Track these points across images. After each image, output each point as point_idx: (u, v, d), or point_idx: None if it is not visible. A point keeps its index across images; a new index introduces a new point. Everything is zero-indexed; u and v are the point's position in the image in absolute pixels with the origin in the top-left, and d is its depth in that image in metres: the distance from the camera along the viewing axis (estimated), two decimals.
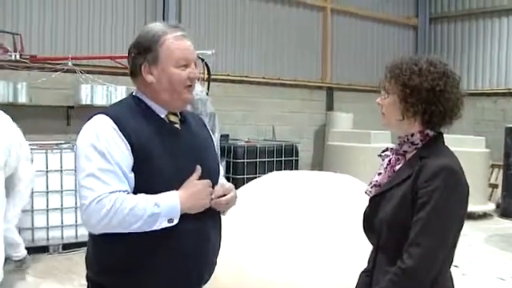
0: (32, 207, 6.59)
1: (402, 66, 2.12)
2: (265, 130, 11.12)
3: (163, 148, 2.18)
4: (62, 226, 6.89)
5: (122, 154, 2.08)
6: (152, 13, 9.59)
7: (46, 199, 6.77)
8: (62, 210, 6.87)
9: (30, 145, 7.00)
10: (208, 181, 2.19)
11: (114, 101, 8.27)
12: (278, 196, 4.18)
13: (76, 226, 6.96)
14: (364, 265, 2.32)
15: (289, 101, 11.56)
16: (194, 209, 2.15)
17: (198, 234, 2.24)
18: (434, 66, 2.09)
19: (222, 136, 8.89)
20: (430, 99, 2.05)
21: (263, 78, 11.11)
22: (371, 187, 2.24)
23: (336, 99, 12.39)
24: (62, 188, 6.85)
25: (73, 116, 8.51)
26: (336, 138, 10.72)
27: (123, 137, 2.10)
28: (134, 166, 2.11)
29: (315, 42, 12.08)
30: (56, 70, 7.93)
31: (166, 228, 2.08)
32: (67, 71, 7.93)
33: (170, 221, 2.07)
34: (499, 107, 12.41)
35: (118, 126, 2.10)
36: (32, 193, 6.59)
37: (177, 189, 2.13)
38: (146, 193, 2.08)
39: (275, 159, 9.39)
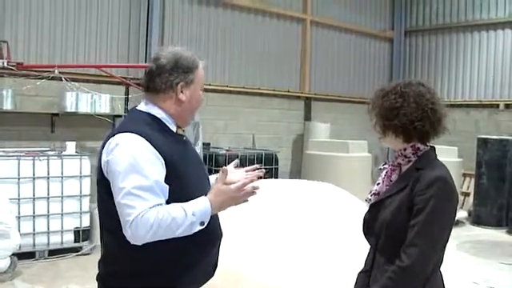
0: (19, 213, 6.65)
1: (376, 92, 2.47)
2: (245, 138, 11.30)
3: (183, 158, 2.40)
4: (48, 233, 6.97)
5: (157, 168, 2.26)
6: (136, 23, 9.71)
7: (33, 205, 6.84)
8: (48, 216, 6.94)
9: (17, 151, 7.12)
10: (235, 188, 2.32)
11: (98, 109, 8.45)
12: (269, 202, 4.34)
13: (62, 232, 7.05)
14: (354, 266, 2.55)
15: (268, 110, 11.75)
16: (222, 210, 2.37)
17: (213, 236, 2.48)
18: (394, 88, 2.40)
19: (203, 144, 9.05)
20: (391, 117, 2.36)
21: (243, 87, 11.29)
22: (371, 195, 2.49)
23: (314, 109, 12.62)
24: (48, 194, 6.92)
25: (57, 123, 8.57)
26: (314, 148, 10.90)
27: (156, 152, 2.27)
28: (166, 178, 2.29)
29: (294, 53, 12.31)
30: (41, 78, 7.99)
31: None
32: (52, 79, 7.97)
33: (202, 224, 2.26)
34: (471, 118, 12.77)
35: (149, 142, 2.28)
36: (18, 199, 6.70)
37: (199, 192, 2.32)
38: (179, 200, 2.26)
39: None
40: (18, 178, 6.74)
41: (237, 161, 2.57)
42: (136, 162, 2.22)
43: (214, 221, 2.39)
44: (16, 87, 8.05)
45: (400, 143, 2.40)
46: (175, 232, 2.20)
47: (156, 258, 2.31)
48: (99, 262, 2.52)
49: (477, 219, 10.63)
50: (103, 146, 2.36)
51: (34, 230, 6.86)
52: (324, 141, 11.20)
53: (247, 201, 2.38)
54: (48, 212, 6.95)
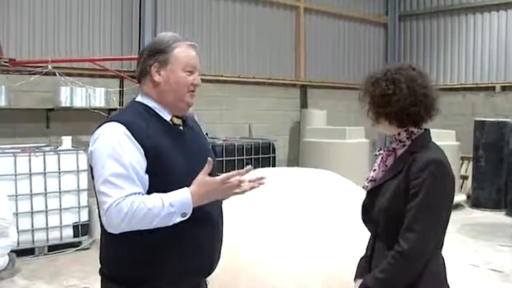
0: (16, 210, 6.63)
1: (366, 78, 2.44)
2: (241, 128, 11.27)
3: (172, 149, 2.33)
4: (47, 228, 6.95)
5: (135, 157, 2.23)
6: (128, 14, 9.64)
7: (30, 202, 6.83)
8: (46, 212, 6.93)
9: (12, 148, 7.09)
10: (220, 180, 2.24)
11: (93, 103, 8.42)
12: (267, 191, 4.32)
13: (61, 227, 7.04)
14: (356, 253, 2.54)
15: (264, 99, 11.72)
16: (205, 202, 2.27)
17: (208, 223, 2.41)
18: (385, 75, 2.36)
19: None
20: (384, 104, 2.33)
21: (238, 76, 11.24)
22: (368, 182, 2.47)
23: (310, 97, 12.59)
24: (45, 190, 6.91)
25: (52, 118, 8.53)
26: (311, 135, 10.87)
27: (135, 141, 2.24)
28: (147, 168, 2.26)
29: (289, 41, 12.26)
30: (35, 73, 7.95)
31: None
32: (46, 74, 7.93)
33: (184, 215, 2.21)
34: (468, 101, 12.75)
35: (130, 131, 2.24)
36: (16, 196, 6.68)
37: (186, 185, 2.24)
38: (161, 191, 2.21)
39: (253, 157, 9.55)
40: (15, 175, 6.72)
41: (250, 167, 2.40)
42: (114, 151, 2.21)
43: (209, 209, 2.35)
44: (9, 83, 8.01)
45: (394, 129, 2.37)
46: (151, 222, 2.17)
47: (144, 247, 2.28)
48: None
49: (476, 202, 10.66)
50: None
51: (32, 226, 6.85)
52: (321, 128, 11.17)
53: (235, 194, 2.29)
54: (46, 208, 6.93)
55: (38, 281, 6.06)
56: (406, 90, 2.30)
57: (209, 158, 2.25)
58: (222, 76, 10.96)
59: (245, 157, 9.41)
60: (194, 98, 2.48)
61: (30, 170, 6.82)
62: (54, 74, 8.00)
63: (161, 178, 2.26)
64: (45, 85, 8.35)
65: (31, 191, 6.83)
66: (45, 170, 6.91)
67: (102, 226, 2.32)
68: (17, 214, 6.62)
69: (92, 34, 9.25)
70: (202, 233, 2.38)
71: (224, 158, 9.12)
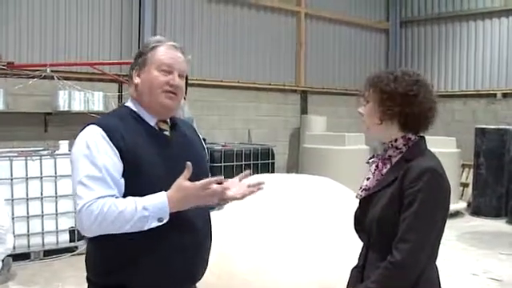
0: (12, 214, 6.57)
1: (380, 76, 2.33)
2: (241, 133, 11.23)
3: (152, 154, 2.28)
4: (43, 233, 6.90)
5: (110, 160, 2.19)
6: (128, 19, 9.63)
7: (26, 206, 6.77)
8: (42, 216, 6.88)
9: (9, 152, 7.04)
10: (200, 185, 2.15)
11: (92, 107, 8.38)
12: (263, 198, 4.27)
13: (57, 232, 6.98)
14: (347, 262, 2.47)
15: (264, 104, 11.68)
16: (184, 208, 2.19)
17: (190, 230, 2.33)
18: (407, 74, 2.30)
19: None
20: (404, 102, 2.24)
21: (238, 82, 11.21)
22: (361, 191, 2.39)
23: (310, 102, 12.55)
24: (42, 195, 6.86)
25: (50, 122, 8.50)
26: (311, 141, 10.83)
27: (111, 144, 2.21)
28: (124, 172, 2.22)
29: (289, 47, 12.22)
30: (33, 77, 7.92)
31: (157, 226, 2.15)
32: (44, 78, 7.91)
33: (160, 220, 2.14)
34: (469, 108, 12.70)
35: (106, 133, 2.22)
36: (12, 200, 6.63)
37: (160, 191, 2.17)
38: (137, 195, 2.16)
39: (252, 162, 9.50)
40: (11, 179, 6.67)
41: (248, 171, 2.38)
42: (89, 152, 2.19)
43: (190, 215, 2.28)
44: (8, 87, 7.98)
45: (394, 133, 2.30)
46: (124, 226, 2.12)
47: (120, 253, 2.24)
48: None
49: (476, 210, 10.59)
50: None
51: (28, 230, 6.79)
52: (320, 134, 11.13)
53: (217, 202, 2.24)
54: (42, 212, 6.88)
55: (33, 286, 6.01)
56: (429, 94, 2.26)
57: (188, 163, 2.14)
58: (221, 81, 10.93)
59: (243, 162, 9.35)
60: (176, 100, 2.38)
61: (27, 174, 6.77)
62: (53, 78, 7.97)
63: (137, 183, 2.21)
64: (43, 89, 8.32)
65: (27, 195, 6.78)
66: (41, 174, 6.85)
67: None
68: (13, 219, 6.55)
69: (91, 38, 9.22)
70: (182, 240, 2.31)
71: (222, 164, 9.07)
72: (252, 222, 4.03)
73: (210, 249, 2.52)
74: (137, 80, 2.37)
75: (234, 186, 2.34)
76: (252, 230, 3.97)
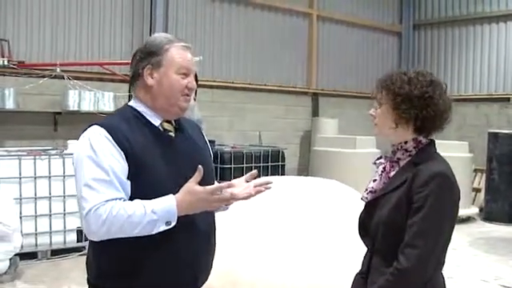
0: (20, 213, 6.57)
1: (393, 77, 2.24)
2: (251, 135, 11.18)
3: (157, 155, 2.23)
4: (51, 232, 6.89)
5: (115, 162, 2.13)
6: (139, 20, 9.62)
7: (35, 205, 6.77)
8: (50, 216, 6.87)
9: (18, 151, 7.05)
10: (210, 190, 2.12)
11: (102, 107, 8.38)
12: (268, 201, 4.22)
13: (64, 231, 6.97)
14: (355, 267, 2.40)
15: (275, 107, 11.62)
16: (192, 212, 2.17)
17: (195, 235, 2.29)
18: (421, 75, 2.22)
19: (208, 142, 8.93)
20: (420, 105, 2.16)
21: (249, 84, 11.16)
22: (367, 193, 2.32)
23: (321, 105, 12.48)
24: (50, 194, 6.84)
25: (60, 122, 8.50)
26: (322, 144, 10.77)
27: (116, 145, 2.15)
28: (129, 174, 2.16)
29: (301, 49, 12.16)
30: (44, 76, 7.93)
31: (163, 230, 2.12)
32: (55, 77, 7.93)
33: (168, 223, 2.10)
34: (481, 112, 12.57)
35: (110, 134, 2.15)
36: (20, 199, 6.63)
37: (167, 192, 2.14)
38: (143, 199, 2.11)
39: (262, 165, 9.44)
40: (20, 178, 6.66)
41: (255, 171, 2.33)
42: (94, 154, 2.12)
43: (196, 218, 2.23)
44: (18, 86, 7.99)
45: (407, 136, 2.22)
46: (132, 230, 2.07)
47: (130, 257, 2.18)
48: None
49: (488, 215, 10.46)
50: None
51: (36, 229, 6.79)
52: (331, 137, 11.06)
53: (224, 206, 2.23)
54: (50, 212, 6.87)
55: (39, 285, 5.99)
56: (443, 94, 2.20)
57: (199, 166, 2.11)
58: (232, 83, 10.90)
59: (253, 164, 9.29)
60: (189, 102, 2.36)
61: (35, 174, 6.76)
62: (63, 78, 7.97)
63: (142, 184, 2.16)
64: (53, 88, 8.33)
65: (35, 194, 6.77)
66: (50, 173, 6.84)
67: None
68: (21, 218, 6.54)
69: (102, 37, 9.23)
70: (187, 243, 2.26)
71: (232, 166, 9.01)
72: (257, 226, 3.97)
73: (214, 252, 2.47)
74: (150, 81, 2.28)
75: (241, 185, 2.32)
76: (257, 234, 3.91)
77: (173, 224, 2.11)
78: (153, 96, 2.30)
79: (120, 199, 2.10)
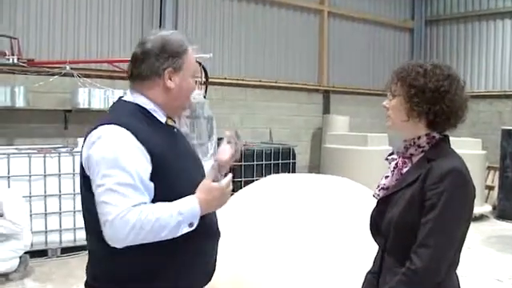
0: (30, 211, 6.56)
1: (408, 69, 2.18)
2: (262, 133, 11.12)
3: (173, 153, 2.18)
4: (61, 230, 6.88)
5: (141, 164, 2.05)
6: (149, 17, 9.60)
7: (44, 203, 6.76)
8: (60, 213, 6.86)
9: (29, 149, 7.04)
10: (225, 185, 2.16)
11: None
12: (277, 199, 4.17)
13: (74, 229, 6.94)
14: (366, 267, 2.34)
15: (286, 104, 11.56)
16: (211, 210, 2.18)
17: (209, 234, 2.28)
18: (438, 68, 2.14)
19: (219, 139, 8.89)
20: (434, 99, 2.09)
21: (260, 81, 11.12)
22: (379, 190, 2.25)
23: (333, 102, 12.40)
24: (60, 192, 6.83)
25: (70, 120, 8.49)
26: (333, 141, 10.69)
27: (143, 147, 2.06)
28: (152, 175, 2.08)
29: (312, 45, 12.09)
30: (54, 74, 7.93)
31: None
32: (65, 75, 7.93)
33: (191, 225, 2.06)
34: (495, 109, 12.44)
35: (134, 135, 2.06)
36: (30, 197, 6.62)
37: (188, 189, 2.11)
38: (166, 198, 2.05)
39: (272, 162, 9.39)
40: (30, 176, 6.65)
41: (232, 132, 2.45)
42: (118, 157, 2.00)
43: (209, 219, 2.21)
44: (28, 84, 7.99)
45: (420, 131, 2.14)
46: (159, 234, 2.00)
47: (147, 260, 2.10)
48: (86, 267, 2.31)
49: (502, 213, 10.33)
50: (84, 140, 2.16)
51: (45, 227, 6.77)
52: (342, 134, 10.97)
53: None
54: (60, 209, 6.85)
55: (49, 283, 5.98)
56: (460, 90, 2.12)
57: (213, 163, 2.15)
58: (243, 80, 10.85)
59: (264, 162, 9.25)
60: None
61: (45, 171, 6.75)
62: (73, 76, 7.96)
63: (164, 184, 2.09)
64: (63, 86, 8.33)
65: (45, 192, 6.76)
66: (59, 171, 6.83)
67: (93, 238, 2.16)
68: (31, 215, 6.54)
69: (112, 35, 9.21)
70: (203, 243, 2.24)
71: (243, 163, 8.96)
72: (264, 225, 3.92)
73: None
74: (170, 83, 2.21)
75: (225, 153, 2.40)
76: (263, 234, 3.85)
77: (195, 225, 2.08)
78: (170, 98, 2.24)
79: (145, 203, 2.03)
